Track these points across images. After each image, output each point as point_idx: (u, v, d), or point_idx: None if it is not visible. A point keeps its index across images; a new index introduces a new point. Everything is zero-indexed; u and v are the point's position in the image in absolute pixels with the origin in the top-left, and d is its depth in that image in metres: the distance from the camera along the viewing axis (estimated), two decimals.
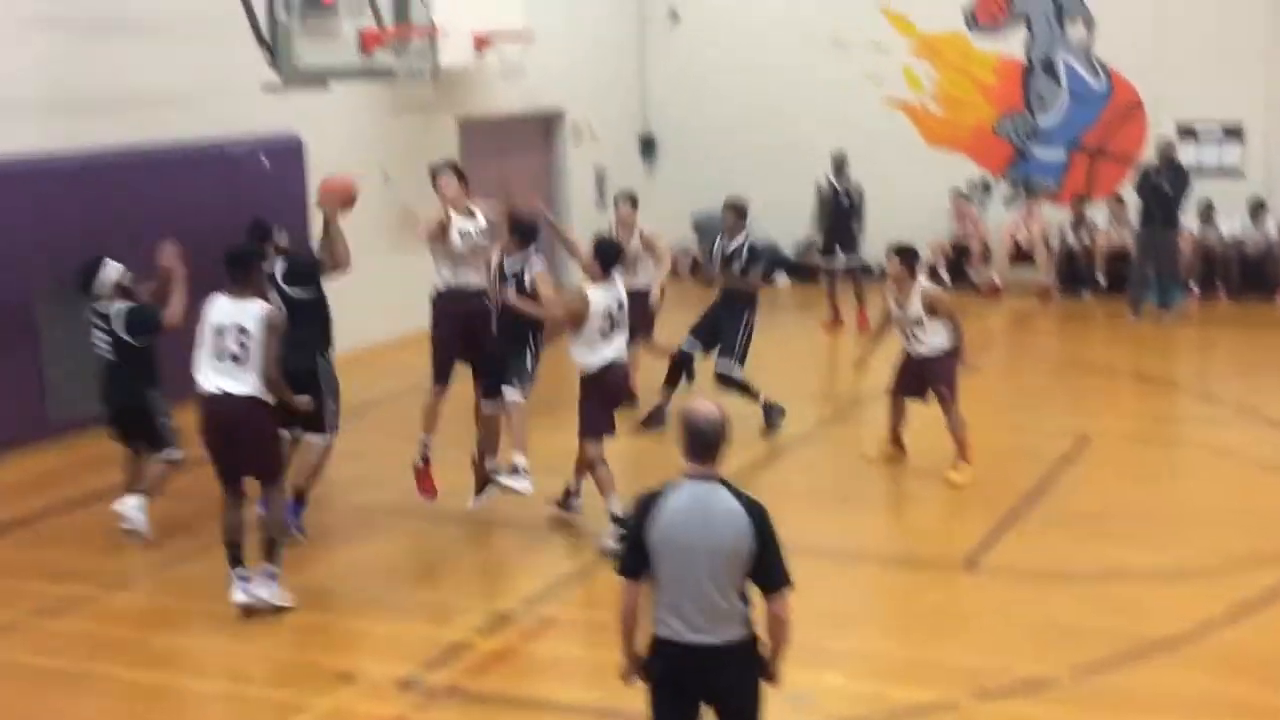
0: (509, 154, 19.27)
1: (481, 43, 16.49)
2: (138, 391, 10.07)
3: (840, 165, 17.51)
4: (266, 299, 9.14)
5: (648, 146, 22.12)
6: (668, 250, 13.57)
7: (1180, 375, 15.34)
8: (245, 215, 14.21)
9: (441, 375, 10.43)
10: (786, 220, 20.46)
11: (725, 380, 12.44)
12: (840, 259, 17.38)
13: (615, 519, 9.58)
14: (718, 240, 13.18)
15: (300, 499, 9.96)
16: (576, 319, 9.76)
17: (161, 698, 7.82)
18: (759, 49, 21.00)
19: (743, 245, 12.87)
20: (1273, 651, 8.08)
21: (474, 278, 10.35)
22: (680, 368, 12.82)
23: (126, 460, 10.40)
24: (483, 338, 10.31)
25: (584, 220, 19.03)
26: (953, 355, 11.29)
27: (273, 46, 12.71)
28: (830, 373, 16.36)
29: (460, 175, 10.66)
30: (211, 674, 8.11)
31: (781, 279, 20.88)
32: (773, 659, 5.63)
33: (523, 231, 10.20)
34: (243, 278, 8.90)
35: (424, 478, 10.53)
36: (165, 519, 10.45)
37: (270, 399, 8.73)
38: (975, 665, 7.92)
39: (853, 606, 8.83)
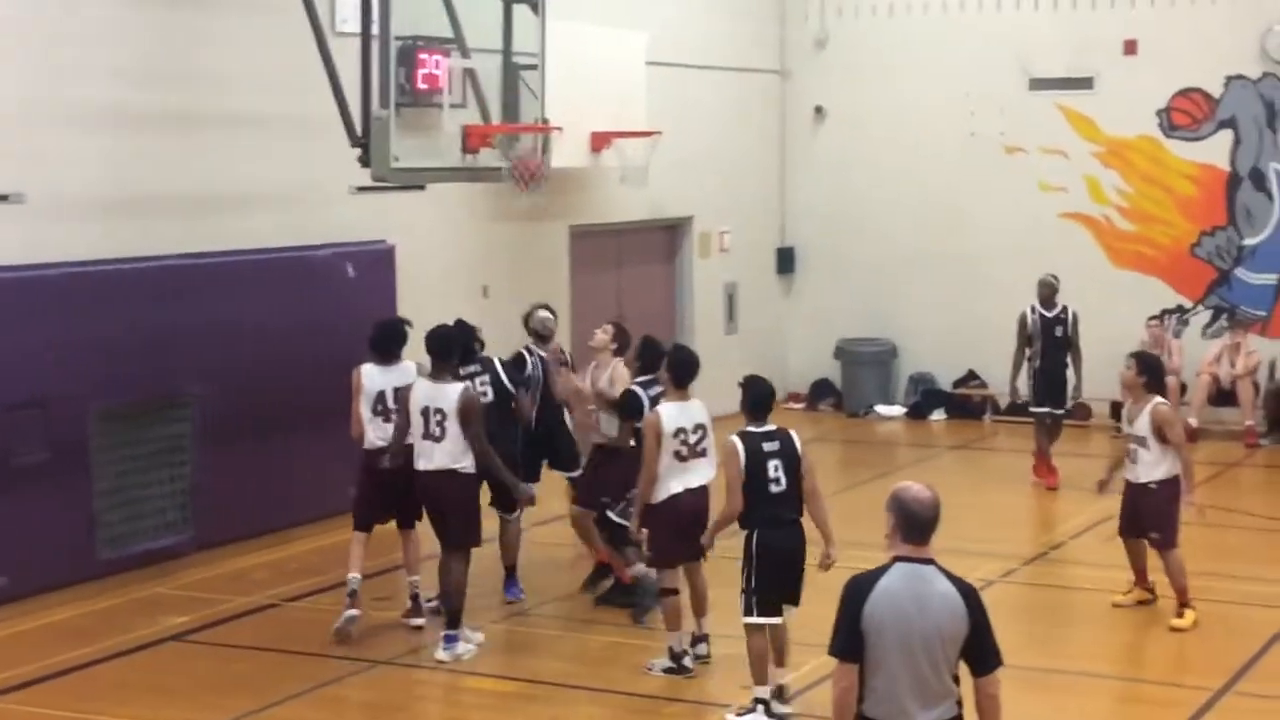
0: (626, 266, 19.42)
1: (600, 141, 16.69)
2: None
3: (1049, 294, 16.56)
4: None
5: (785, 260, 22.20)
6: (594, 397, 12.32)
7: None
8: (328, 326, 14.56)
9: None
10: (945, 345, 20.55)
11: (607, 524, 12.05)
12: (1046, 408, 16.51)
13: (671, 653, 10.44)
14: None
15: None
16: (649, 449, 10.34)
17: None
18: (916, 150, 21.12)
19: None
20: None
21: None
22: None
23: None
24: None
25: (712, 346, 18.98)
26: (1173, 490, 11.54)
27: (366, 144, 12.94)
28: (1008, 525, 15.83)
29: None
30: None
31: (936, 414, 20.75)
32: None
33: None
34: (442, 362, 10.90)
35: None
36: (222, 677, 10.64)
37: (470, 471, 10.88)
38: None
39: None
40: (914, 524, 6.00)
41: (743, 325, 21.27)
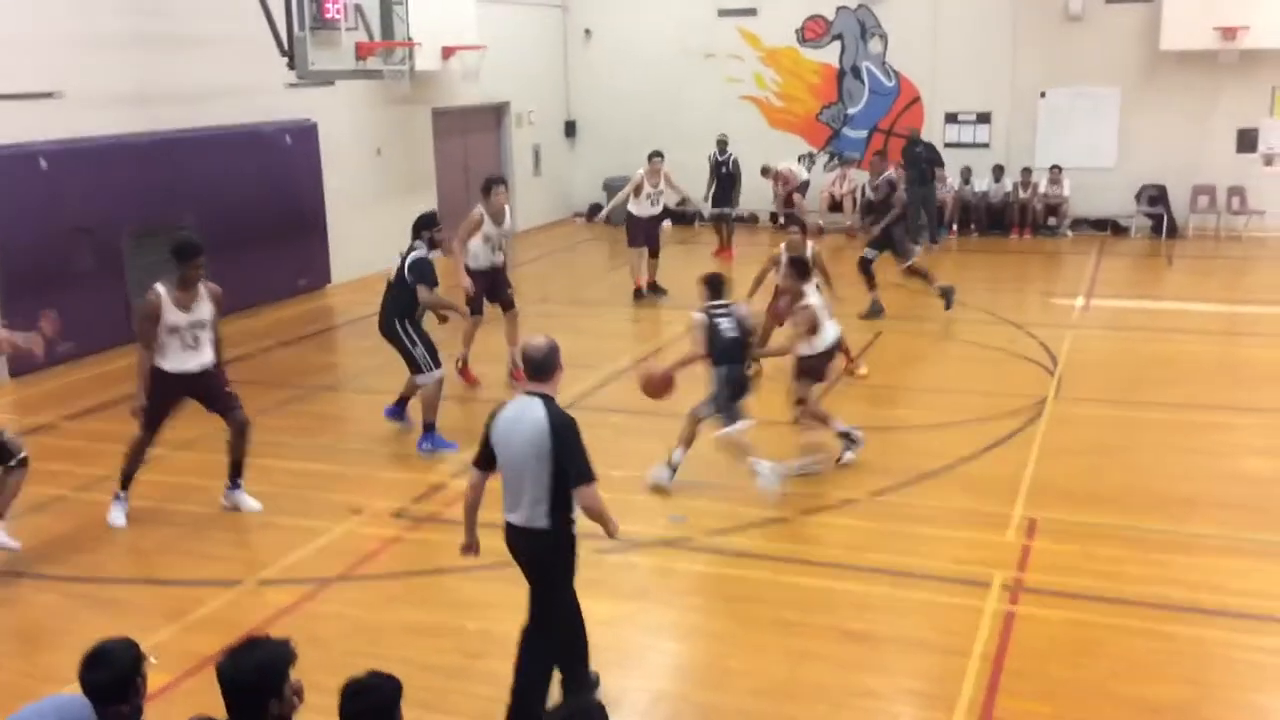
0: (469, 135, 18.92)
1: (447, 52, 16.10)
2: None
3: (723, 146, 17.75)
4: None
5: (570, 129, 21.72)
6: None
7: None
8: (274, 175, 13.97)
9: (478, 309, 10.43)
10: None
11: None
12: (723, 210, 17.73)
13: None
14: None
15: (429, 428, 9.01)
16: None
17: (219, 526, 7.71)
18: (650, 58, 20.70)
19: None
20: (1003, 476, 8.24)
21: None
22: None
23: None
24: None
25: (524, 185, 18.73)
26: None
27: (291, 55, 12.37)
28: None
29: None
30: (256, 510, 7.94)
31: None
32: (604, 526, 4.92)
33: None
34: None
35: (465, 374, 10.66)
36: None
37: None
38: (801, 492, 7.99)
39: (719, 457, 8.86)
40: (529, 365, 4.92)
41: (544, 171, 20.85)
